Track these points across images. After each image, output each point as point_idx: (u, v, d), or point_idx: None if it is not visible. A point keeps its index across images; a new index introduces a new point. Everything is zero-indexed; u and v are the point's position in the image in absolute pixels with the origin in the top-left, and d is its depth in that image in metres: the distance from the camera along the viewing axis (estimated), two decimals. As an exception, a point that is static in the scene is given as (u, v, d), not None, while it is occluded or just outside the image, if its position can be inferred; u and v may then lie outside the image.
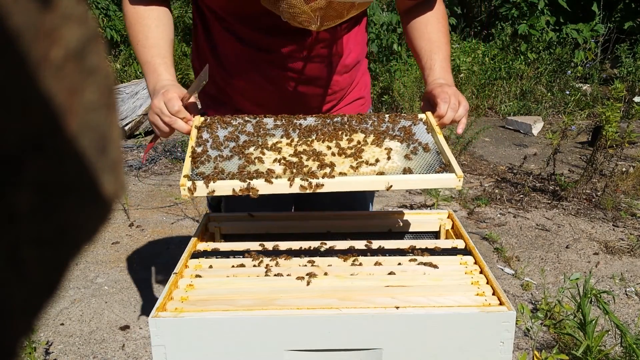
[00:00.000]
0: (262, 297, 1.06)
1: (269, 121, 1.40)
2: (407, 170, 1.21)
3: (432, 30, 1.51)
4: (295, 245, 1.29)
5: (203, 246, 1.31)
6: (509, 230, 3.42)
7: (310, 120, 1.41)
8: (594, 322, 1.92)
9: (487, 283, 1.12)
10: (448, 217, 1.48)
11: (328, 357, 1.02)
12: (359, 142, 1.31)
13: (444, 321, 1.00)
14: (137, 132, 5.07)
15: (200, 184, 1.16)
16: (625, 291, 2.73)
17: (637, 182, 3.85)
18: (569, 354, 2.02)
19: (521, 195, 3.84)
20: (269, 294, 1.07)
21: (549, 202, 3.78)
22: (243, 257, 1.24)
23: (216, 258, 1.25)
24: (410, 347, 1.01)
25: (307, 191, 1.16)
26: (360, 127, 1.38)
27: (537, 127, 5.40)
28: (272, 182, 1.16)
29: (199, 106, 1.46)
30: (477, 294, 1.07)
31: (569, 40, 6.71)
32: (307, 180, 1.16)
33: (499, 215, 3.63)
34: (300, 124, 1.38)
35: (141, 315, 2.56)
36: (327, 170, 1.19)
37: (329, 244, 1.29)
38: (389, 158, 1.25)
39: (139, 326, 2.47)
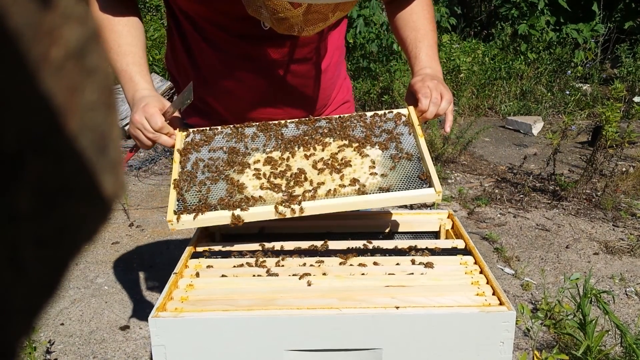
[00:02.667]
0: (262, 297, 1.06)
1: (250, 131, 1.38)
2: (384, 189, 1.21)
3: (417, 19, 1.49)
4: (295, 245, 1.29)
5: (203, 246, 1.31)
6: (509, 230, 3.42)
7: (292, 128, 1.39)
8: (594, 322, 1.92)
9: (487, 283, 1.12)
10: (448, 217, 1.48)
11: (328, 357, 1.02)
12: (340, 159, 1.29)
13: (444, 321, 1.00)
14: (137, 132, 5.06)
15: (186, 217, 1.19)
16: (625, 291, 2.73)
17: (637, 182, 3.85)
18: (569, 354, 2.02)
19: (521, 195, 3.84)
20: (269, 294, 1.07)
21: (549, 202, 3.78)
22: (243, 257, 1.24)
23: (216, 258, 1.25)
24: (410, 347, 1.01)
25: (289, 216, 1.18)
26: (342, 132, 1.36)
27: (537, 127, 5.40)
28: (256, 211, 1.19)
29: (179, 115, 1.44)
30: (477, 294, 1.07)
31: (569, 40, 6.71)
32: (290, 207, 1.18)
33: (499, 215, 3.63)
34: (282, 134, 1.37)
35: (141, 315, 2.56)
36: (309, 194, 1.20)
37: (329, 244, 1.29)
38: (371, 174, 1.25)
39: (139, 326, 2.47)
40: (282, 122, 1.40)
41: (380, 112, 1.42)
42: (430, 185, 1.21)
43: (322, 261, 1.20)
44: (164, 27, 6.23)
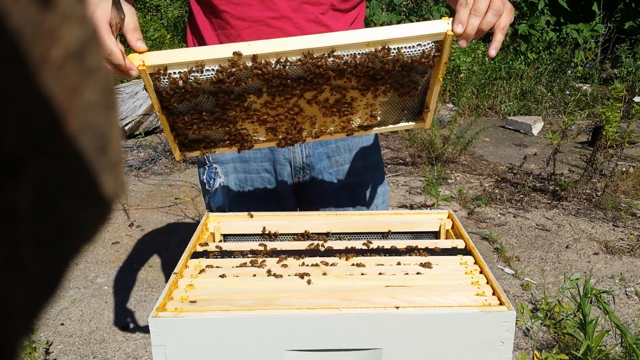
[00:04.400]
0: (262, 297, 1.06)
1: (245, 75, 1.11)
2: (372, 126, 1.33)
3: None
4: (295, 245, 1.29)
5: (203, 246, 1.31)
6: (509, 230, 3.42)
7: (296, 61, 1.10)
8: (594, 322, 1.92)
9: (487, 283, 1.12)
10: (448, 217, 1.48)
11: (328, 357, 1.02)
12: (347, 104, 1.23)
13: (444, 321, 1.00)
14: (137, 132, 5.07)
15: (192, 153, 1.30)
16: (625, 291, 2.73)
17: (637, 182, 3.85)
18: (569, 354, 2.02)
19: (521, 195, 3.84)
20: (269, 294, 1.07)
21: (549, 202, 3.78)
22: (243, 257, 1.24)
23: (216, 258, 1.25)
24: (410, 347, 1.01)
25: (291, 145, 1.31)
26: (360, 77, 1.15)
27: (537, 127, 5.40)
28: (258, 142, 1.30)
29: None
30: (477, 294, 1.07)
31: (569, 40, 6.72)
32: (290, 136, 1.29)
33: (499, 215, 3.63)
34: (284, 73, 1.11)
35: (141, 315, 2.56)
36: (312, 132, 1.30)
37: (329, 244, 1.29)
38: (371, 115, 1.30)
39: (139, 326, 2.47)
40: (284, 68, 1.10)
41: (408, 47, 1.11)
42: (424, 110, 1.29)
43: (322, 261, 1.20)
44: (170, 26, 6.23)
